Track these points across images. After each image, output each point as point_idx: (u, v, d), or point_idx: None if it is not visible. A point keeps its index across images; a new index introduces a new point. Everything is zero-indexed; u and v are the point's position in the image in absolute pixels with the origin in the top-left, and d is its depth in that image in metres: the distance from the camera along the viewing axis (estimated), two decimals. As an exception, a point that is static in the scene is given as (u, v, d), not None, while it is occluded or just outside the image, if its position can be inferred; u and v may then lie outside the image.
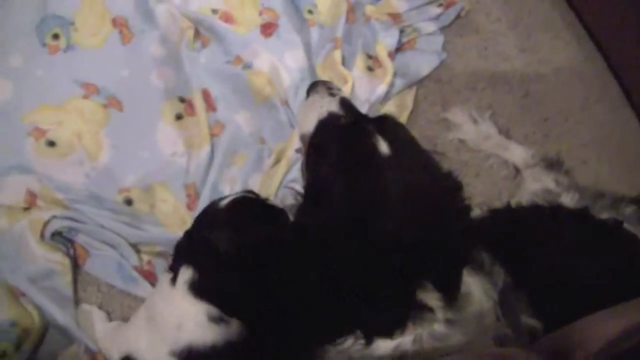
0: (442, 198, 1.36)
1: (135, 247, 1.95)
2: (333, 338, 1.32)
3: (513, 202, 1.98)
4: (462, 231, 1.37)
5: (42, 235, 1.87)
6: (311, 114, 1.53)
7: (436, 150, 1.91)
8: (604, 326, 1.17)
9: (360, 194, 1.32)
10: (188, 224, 1.90)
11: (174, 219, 2.00)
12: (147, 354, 1.51)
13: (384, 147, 1.37)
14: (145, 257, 1.96)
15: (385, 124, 1.45)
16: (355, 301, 1.28)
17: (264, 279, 1.43)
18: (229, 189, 2.08)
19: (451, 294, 1.33)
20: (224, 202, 1.62)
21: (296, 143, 2.06)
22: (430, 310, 1.30)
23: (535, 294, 1.51)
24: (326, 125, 1.48)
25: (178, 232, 1.88)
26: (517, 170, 2.24)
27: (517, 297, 1.49)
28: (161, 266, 1.94)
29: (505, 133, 2.32)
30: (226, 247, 1.50)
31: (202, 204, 1.99)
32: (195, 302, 1.49)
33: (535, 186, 2.06)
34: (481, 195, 2.20)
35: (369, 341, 1.31)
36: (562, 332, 1.27)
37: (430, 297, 1.30)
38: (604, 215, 1.84)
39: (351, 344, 1.32)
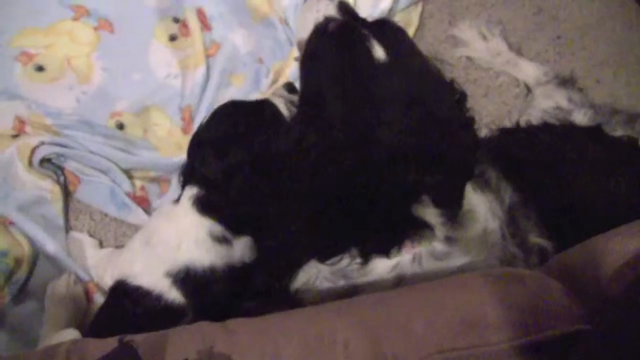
0: (444, 107, 1.26)
1: (128, 173, 1.89)
2: (327, 256, 1.25)
3: (522, 121, 1.88)
4: (465, 144, 1.27)
5: (30, 162, 1.81)
6: (308, 18, 1.43)
7: (446, 61, 1.83)
8: (623, 242, 1.07)
9: (352, 102, 1.23)
10: (183, 148, 1.83)
11: (169, 143, 1.93)
12: (141, 277, 1.46)
13: (379, 52, 1.27)
14: (139, 183, 1.90)
15: (383, 28, 1.36)
16: (350, 216, 1.20)
17: (262, 192, 1.39)
18: (226, 111, 1.99)
19: (452, 210, 1.26)
20: (208, 121, 1.56)
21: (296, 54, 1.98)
22: (430, 227, 1.23)
23: (546, 213, 1.44)
24: (322, 30, 1.39)
25: (172, 157, 1.84)
26: (528, 89, 2.15)
27: (525, 216, 1.42)
28: (155, 192, 1.89)
29: (517, 50, 2.22)
30: (214, 171, 1.46)
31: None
32: (198, 218, 1.46)
33: (547, 103, 1.96)
34: (490, 115, 2.12)
35: (365, 260, 1.24)
36: (574, 250, 1.19)
37: (430, 213, 1.23)
38: (618, 133, 1.76)
39: (347, 263, 1.26)
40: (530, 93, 2.13)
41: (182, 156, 1.82)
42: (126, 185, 1.86)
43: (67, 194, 1.87)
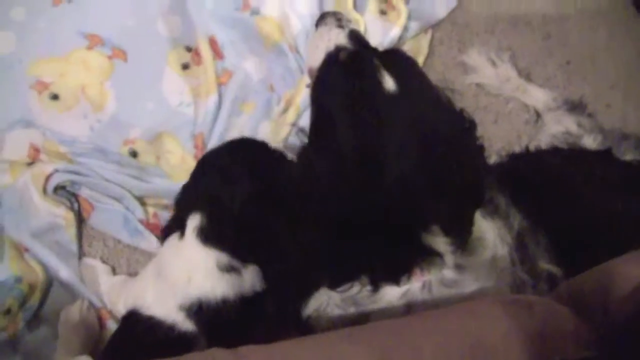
0: (453, 137, 1.27)
1: (141, 200, 1.91)
2: (338, 283, 1.26)
3: (532, 146, 1.89)
4: (474, 172, 1.29)
5: (44, 189, 1.83)
6: (319, 46, 1.45)
7: (456, 90, 1.84)
8: (633, 267, 1.09)
9: (364, 132, 1.24)
10: None
11: (181, 171, 1.94)
12: (154, 307, 1.47)
13: (389, 82, 1.29)
14: (151, 210, 1.91)
15: (394, 58, 1.37)
16: (360, 244, 1.21)
17: (267, 221, 1.40)
18: (237, 138, 2.02)
19: (462, 238, 1.26)
20: (217, 149, 1.60)
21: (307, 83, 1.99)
22: (439, 255, 1.24)
23: (555, 238, 1.45)
24: (333, 59, 1.41)
25: None
26: (538, 115, 2.15)
27: (535, 241, 1.43)
28: (167, 219, 1.89)
29: (526, 76, 2.24)
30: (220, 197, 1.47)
31: (211, 154, 1.94)
32: (204, 250, 1.45)
33: (556, 129, 1.97)
34: (500, 141, 2.12)
35: (375, 287, 1.25)
36: (584, 276, 1.21)
37: (439, 242, 1.24)
38: (629, 157, 1.77)
39: (357, 290, 1.27)
40: (540, 119, 2.13)
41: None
42: (139, 212, 1.88)
43: (80, 220, 1.89)
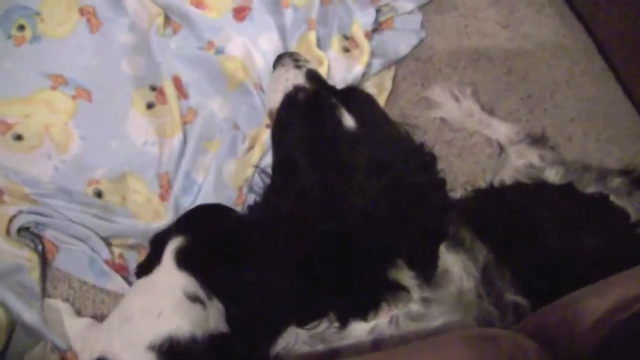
0: (414, 171, 1.29)
1: (107, 241, 1.89)
2: (305, 321, 1.26)
3: (496, 181, 1.92)
4: (437, 205, 1.30)
5: (8, 231, 1.81)
6: (277, 88, 1.47)
7: (415, 125, 1.86)
8: (595, 300, 1.10)
9: (325, 171, 1.26)
10: (162, 215, 1.86)
11: (147, 210, 1.94)
12: (123, 354, 1.44)
13: (348, 120, 1.30)
14: (117, 251, 1.90)
15: (352, 96, 1.39)
16: (326, 281, 1.22)
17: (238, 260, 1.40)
18: (202, 177, 2.02)
19: (427, 271, 1.27)
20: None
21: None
22: (405, 289, 1.24)
23: (520, 271, 1.45)
24: (292, 100, 1.42)
25: (151, 224, 1.85)
26: (501, 148, 2.18)
27: (500, 274, 1.43)
28: (133, 259, 1.88)
29: (489, 111, 2.26)
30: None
31: (176, 193, 1.95)
32: (176, 274, 1.46)
33: (519, 162, 2.00)
34: (465, 175, 2.14)
35: (342, 324, 1.24)
36: (548, 309, 1.22)
37: (405, 276, 1.24)
38: (591, 189, 1.79)
39: (325, 327, 1.26)
40: (503, 152, 2.16)
41: (160, 223, 1.85)
42: (105, 253, 1.86)
43: (45, 262, 1.87)
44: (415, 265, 1.25)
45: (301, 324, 1.27)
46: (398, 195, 1.22)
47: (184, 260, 1.47)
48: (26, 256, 1.81)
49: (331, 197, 1.23)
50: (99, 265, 1.85)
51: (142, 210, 1.94)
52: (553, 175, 1.89)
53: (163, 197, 1.96)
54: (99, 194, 1.95)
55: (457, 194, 1.88)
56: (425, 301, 1.27)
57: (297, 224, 1.22)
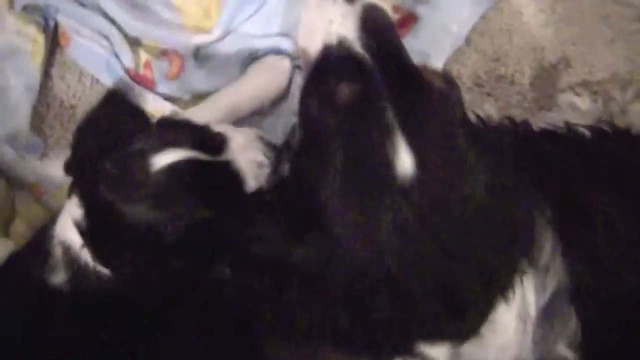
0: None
1: (133, 42, 1.52)
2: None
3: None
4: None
5: (11, 4, 1.45)
6: (314, 26, 0.99)
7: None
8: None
9: (362, 220, 0.89)
10: (213, 20, 1.49)
11: (196, 9, 1.52)
12: None
13: (405, 160, 0.87)
14: (144, 57, 1.51)
15: (420, 102, 0.92)
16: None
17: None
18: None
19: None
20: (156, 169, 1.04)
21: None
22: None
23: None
24: (330, 65, 0.96)
25: (194, 35, 1.48)
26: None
27: (565, 316, 1.04)
28: (163, 71, 1.51)
29: None
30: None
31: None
32: None
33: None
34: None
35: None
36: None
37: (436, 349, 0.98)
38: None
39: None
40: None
41: (204, 36, 1.47)
42: (127, 59, 1.49)
43: (54, 48, 1.53)
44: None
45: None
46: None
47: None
48: (31, 35, 1.47)
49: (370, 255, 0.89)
50: (116, 72, 1.49)
51: (189, 5, 1.53)
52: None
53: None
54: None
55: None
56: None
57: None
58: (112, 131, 1.11)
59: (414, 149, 0.87)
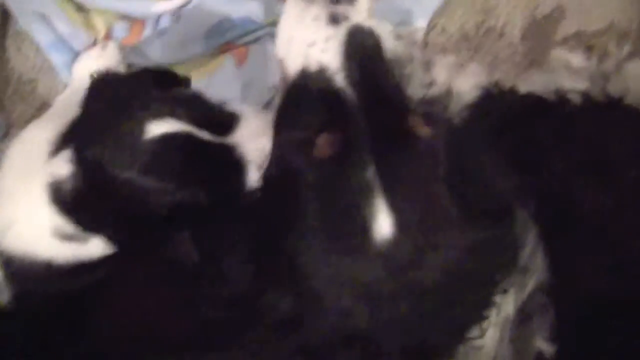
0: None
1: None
2: None
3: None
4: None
5: None
6: (293, 48, 0.90)
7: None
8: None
9: (334, 285, 0.85)
10: None
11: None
12: None
13: (384, 224, 0.81)
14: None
15: (403, 158, 0.85)
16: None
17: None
18: None
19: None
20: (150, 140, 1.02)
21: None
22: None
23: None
24: (309, 98, 0.87)
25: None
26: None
27: (544, 310, 1.01)
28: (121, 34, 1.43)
29: None
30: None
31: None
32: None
33: None
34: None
35: None
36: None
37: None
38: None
39: None
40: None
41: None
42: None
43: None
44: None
45: None
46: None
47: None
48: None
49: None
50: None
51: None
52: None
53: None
54: None
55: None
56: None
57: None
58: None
59: (394, 210, 0.81)
